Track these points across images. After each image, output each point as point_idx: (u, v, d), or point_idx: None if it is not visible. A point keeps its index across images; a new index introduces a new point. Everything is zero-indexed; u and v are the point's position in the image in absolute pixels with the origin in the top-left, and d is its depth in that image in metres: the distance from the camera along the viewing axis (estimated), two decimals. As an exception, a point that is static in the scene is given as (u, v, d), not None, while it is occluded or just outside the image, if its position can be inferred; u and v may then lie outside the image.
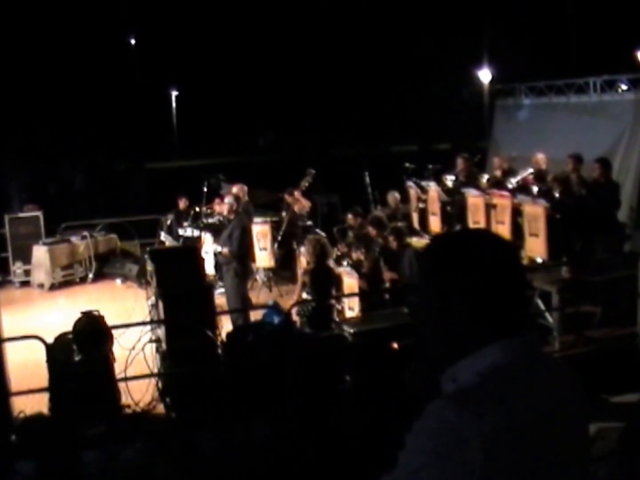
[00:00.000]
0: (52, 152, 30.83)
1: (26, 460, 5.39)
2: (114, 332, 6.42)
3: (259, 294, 10.62)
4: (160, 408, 6.48)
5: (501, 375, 1.49)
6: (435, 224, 11.01)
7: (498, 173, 10.97)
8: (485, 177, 10.97)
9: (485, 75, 21.63)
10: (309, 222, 11.41)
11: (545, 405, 1.50)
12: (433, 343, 1.61)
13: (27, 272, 12.33)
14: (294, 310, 7.27)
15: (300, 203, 11.40)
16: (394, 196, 11.50)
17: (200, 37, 42.14)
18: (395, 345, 6.07)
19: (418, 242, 9.76)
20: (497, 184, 10.60)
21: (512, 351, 1.51)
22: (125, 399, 6.32)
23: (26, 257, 12.24)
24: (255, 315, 8.44)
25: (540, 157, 10.68)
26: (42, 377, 5.83)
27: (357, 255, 9.29)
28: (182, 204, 12.22)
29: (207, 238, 10.43)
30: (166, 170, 31.29)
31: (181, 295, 6.59)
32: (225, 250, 8.81)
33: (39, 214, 12.75)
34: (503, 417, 1.42)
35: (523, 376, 1.51)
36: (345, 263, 8.94)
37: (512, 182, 10.47)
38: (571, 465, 1.54)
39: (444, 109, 33.33)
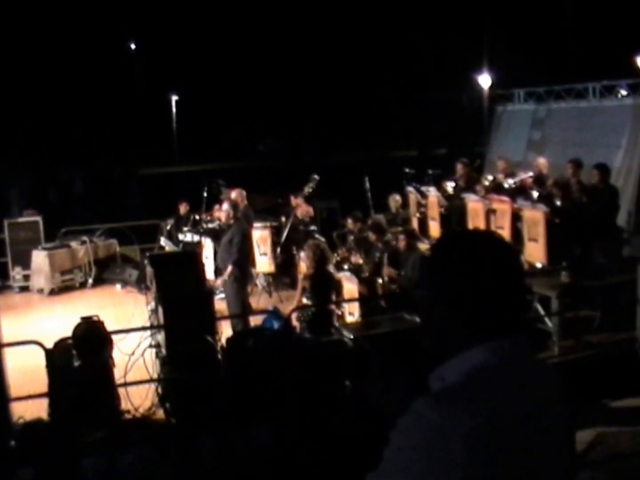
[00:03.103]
0: (51, 158, 30.85)
1: (26, 466, 5.38)
2: (114, 337, 6.42)
3: (259, 299, 10.62)
4: (160, 413, 6.47)
5: (485, 376, 1.51)
6: (434, 229, 11.02)
7: (501, 176, 10.97)
8: (489, 178, 10.96)
9: (485, 80, 21.66)
10: (312, 227, 11.40)
11: (528, 407, 1.52)
12: (429, 340, 1.64)
13: (26, 277, 12.32)
14: (294, 316, 7.27)
15: (302, 208, 11.41)
16: (394, 199, 11.50)
17: (200, 42, 42.23)
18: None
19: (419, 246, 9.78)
20: (497, 187, 10.61)
21: (498, 353, 1.53)
22: (125, 405, 6.32)
23: (26, 262, 12.24)
24: (255, 321, 8.43)
25: (542, 161, 10.72)
26: (41, 382, 5.82)
27: (356, 259, 9.31)
28: (183, 208, 12.22)
29: (207, 243, 10.43)
30: (166, 176, 31.30)
31: (181, 300, 6.58)
32: (229, 269, 8.74)
33: (38, 219, 12.75)
34: (484, 417, 1.44)
35: (507, 378, 1.52)
36: (345, 268, 8.95)
37: (509, 182, 10.50)
38: (554, 467, 1.56)
39: (444, 114, 33.39)
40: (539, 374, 1.62)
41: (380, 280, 8.57)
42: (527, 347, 1.60)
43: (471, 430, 1.41)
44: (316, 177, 11.58)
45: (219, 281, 8.90)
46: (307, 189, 11.49)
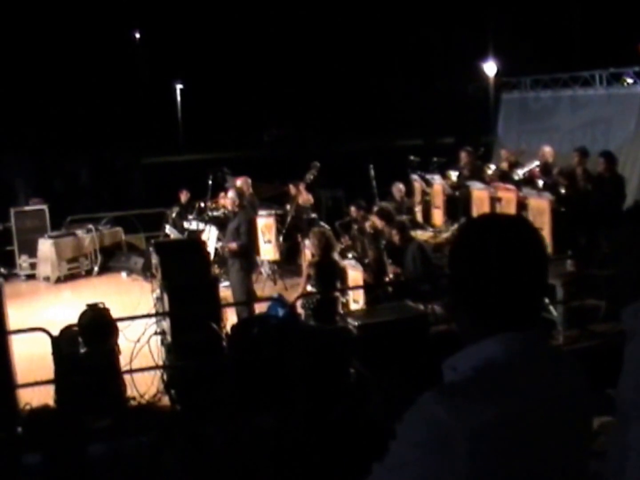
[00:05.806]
0: (57, 147, 30.87)
1: (32, 453, 5.42)
2: (120, 324, 6.45)
3: (264, 287, 10.62)
4: (166, 400, 6.51)
5: (496, 370, 1.47)
6: (438, 217, 11.01)
7: (505, 165, 10.96)
8: (492, 168, 10.96)
9: (490, 68, 21.58)
10: (313, 215, 11.40)
11: (541, 402, 1.48)
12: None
13: (32, 266, 12.37)
14: (298, 303, 7.27)
15: (302, 196, 11.40)
16: (398, 188, 11.48)
17: (205, 31, 42.14)
18: None
19: (422, 235, 9.77)
20: (503, 176, 10.59)
21: (511, 345, 1.49)
22: (130, 392, 6.35)
23: (32, 251, 12.28)
24: (260, 308, 8.43)
25: (547, 150, 10.67)
26: (48, 369, 5.86)
27: (360, 247, 9.30)
28: (184, 197, 12.25)
29: (211, 231, 10.43)
30: (171, 165, 31.29)
31: (186, 288, 6.60)
32: (233, 245, 8.73)
33: (44, 207, 12.78)
34: (492, 414, 1.41)
35: (519, 372, 1.48)
36: (350, 256, 8.94)
37: (519, 173, 10.46)
38: (567, 461, 1.53)
39: (449, 102, 33.27)
40: (556, 365, 1.57)
41: (387, 279, 8.52)
42: (544, 338, 1.56)
43: (477, 427, 1.39)
44: (317, 164, 11.56)
45: (233, 245, 8.75)
46: (309, 177, 11.48)
